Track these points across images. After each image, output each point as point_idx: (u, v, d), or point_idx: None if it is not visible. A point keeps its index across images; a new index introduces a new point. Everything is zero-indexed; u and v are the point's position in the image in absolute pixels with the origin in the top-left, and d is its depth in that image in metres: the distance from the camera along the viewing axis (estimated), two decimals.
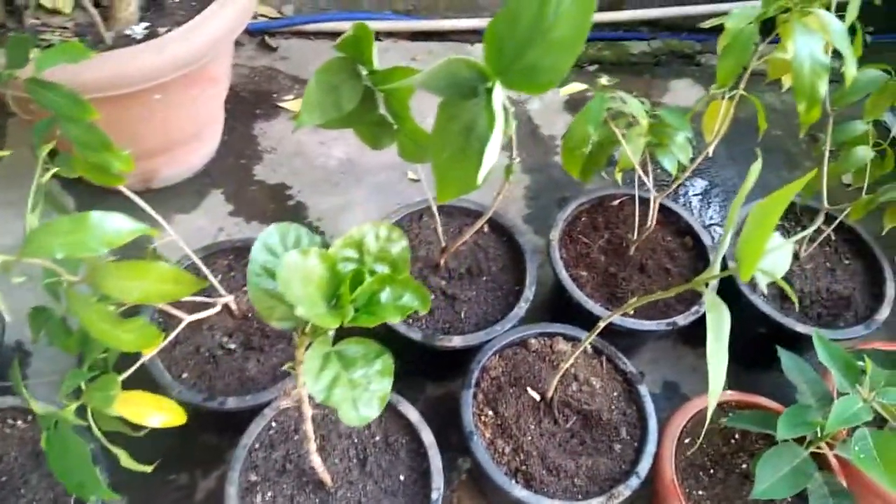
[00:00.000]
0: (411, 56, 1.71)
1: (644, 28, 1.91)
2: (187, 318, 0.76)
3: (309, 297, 0.52)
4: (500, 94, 0.57)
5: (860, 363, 0.90)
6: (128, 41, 1.06)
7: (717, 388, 0.57)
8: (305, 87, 0.79)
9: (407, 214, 1.17)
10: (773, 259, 0.63)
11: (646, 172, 1.08)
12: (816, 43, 0.71)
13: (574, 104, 1.69)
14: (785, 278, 1.16)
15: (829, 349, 0.85)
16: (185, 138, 1.26)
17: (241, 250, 1.09)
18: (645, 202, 1.24)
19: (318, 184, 1.44)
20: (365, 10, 1.80)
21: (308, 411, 0.72)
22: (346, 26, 1.76)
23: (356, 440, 0.94)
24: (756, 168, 0.65)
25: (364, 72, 0.84)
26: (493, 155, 0.57)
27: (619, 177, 1.13)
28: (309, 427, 0.74)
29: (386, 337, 1.04)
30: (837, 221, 1.15)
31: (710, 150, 1.02)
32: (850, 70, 0.75)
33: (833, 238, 1.22)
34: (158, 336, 0.61)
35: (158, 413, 0.64)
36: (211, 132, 1.36)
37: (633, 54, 1.78)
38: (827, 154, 1.06)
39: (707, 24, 0.80)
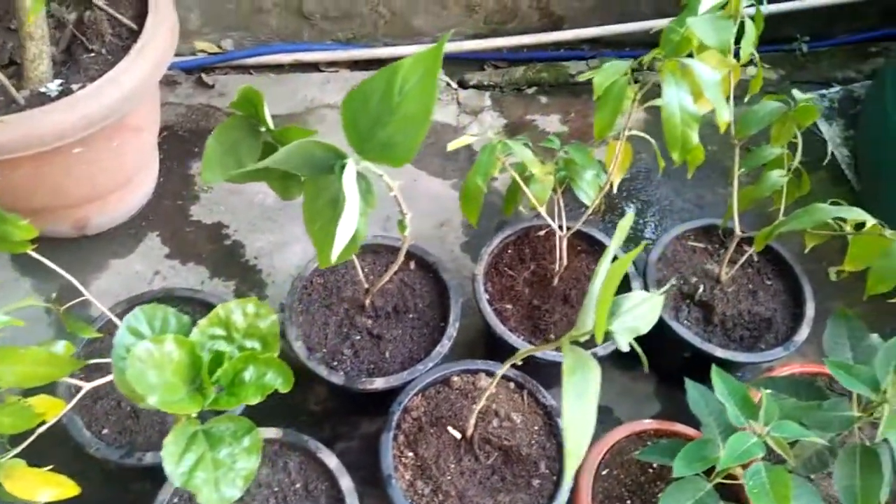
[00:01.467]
0: (351, 86, 1.72)
1: (586, 46, 1.93)
2: (87, 386, 0.77)
3: (166, 385, 0.54)
4: (351, 172, 0.59)
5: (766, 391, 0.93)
6: (42, 99, 1.07)
7: (577, 450, 0.59)
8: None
9: None
10: (636, 315, 0.65)
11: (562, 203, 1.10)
12: (685, 93, 0.73)
13: (514, 128, 1.71)
14: (707, 302, 1.19)
15: (726, 383, 0.87)
16: (115, 186, 1.27)
17: (162, 300, 1.10)
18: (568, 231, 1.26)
19: (256, 221, 1.45)
20: (305, 42, 1.81)
21: None
22: (286, 58, 1.77)
23: (276, 489, 0.96)
24: (626, 222, 0.67)
25: (262, 128, 0.85)
26: (347, 229, 0.59)
27: (540, 210, 1.15)
28: None
29: (313, 379, 1.06)
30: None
31: (614, 187, 1.03)
32: (722, 117, 0.77)
33: (756, 259, 1.24)
34: (36, 417, 0.62)
35: (47, 488, 0.65)
36: (143, 177, 1.37)
37: (571, 75, 1.80)
38: (736, 181, 1.09)
39: (581, 78, 0.81)
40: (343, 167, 0.59)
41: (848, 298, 1.44)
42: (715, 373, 0.88)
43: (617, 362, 1.33)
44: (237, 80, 1.70)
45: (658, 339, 1.16)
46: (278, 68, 1.77)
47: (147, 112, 1.24)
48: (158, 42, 1.15)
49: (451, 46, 1.83)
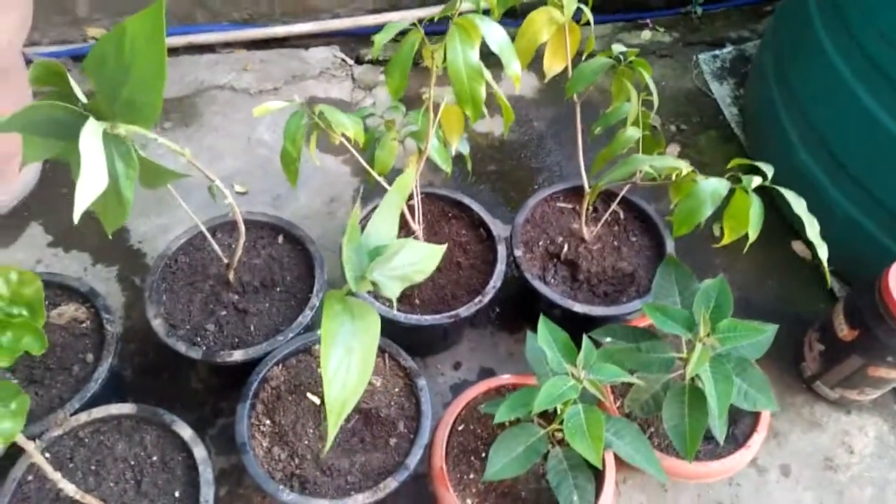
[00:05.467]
0: (242, 66, 1.72)
1: None
2: None
3: None
4: (90, 133, 0.59)
5: (607, 339, 0.96)
6: None
7: (338, 405, 0.60)
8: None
9: (199, 233, 1.19)
10: (407, 263, 0.67)
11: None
12: (471, 49, 0.74)
13: (409, 102, 1.71)
14: (572, 260, 1.22)
15: (550, 330, 0.89)
16: None
17: None
18: (441, 198, 1.28)
19: (144, 205, 1.45)
20: (199, 23, 1.80)
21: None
22: (179, 41, 1.76)
23: (133, 462, 0.97)
24: (405, 178, 0.68)
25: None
26: (87, 189, 0.59)
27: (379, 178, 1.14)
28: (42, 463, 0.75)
29: (176, 357, 1.07)
30: (619, 199, 1.20)
31: (452, 150, 1.04)
32: (510, 70, 0.78)
33: (623, 217, 1.27)
34: None
35: None
36: (15, 167, 1.36)
37: None
38: (580, 138, 1.11)
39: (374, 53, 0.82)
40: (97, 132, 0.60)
41: (730, 256, 1.48)
42: (541, 321, 0.91)
43: (504, 326, 1.36)
44: None
45: (533, 299, 1.20)
46: (172, 52, 1.76)
47: (12, 101, 1.24)
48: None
49: (349, 21, 1.83)
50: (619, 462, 1.09)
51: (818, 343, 1.24)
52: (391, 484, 0.96)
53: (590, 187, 1.16)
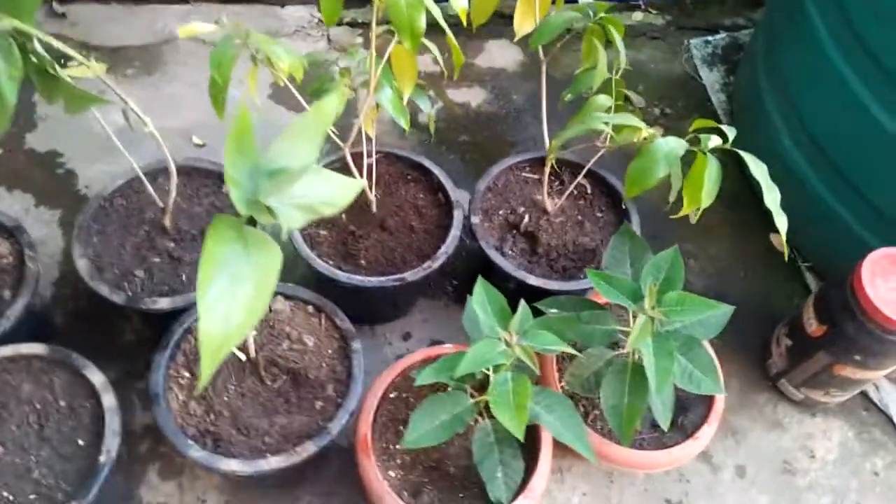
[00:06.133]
0: (214, 19, 1.65)
1: None
2: None
3: None
4: None
5: (552, 310, 0.90)
6: None
7: (213, 348, 0.53)
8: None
9: (138, 176, 1.13)
10: (314, 191, 0.60)
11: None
12: None
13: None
14: (532, 232, 1.15)
15: (487, 293, 0.83)
16: None
17: None
18: (401, 159, 1.21)
19: (94, 151, 1.39)
20: None
21: None
22: None
23: (38, 406, 0.91)
24: (327, 105, 0.62)
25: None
26: None
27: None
28: None
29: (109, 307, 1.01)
30: (586, 172, 1.14)
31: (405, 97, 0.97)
32: (457, 3, 0.72)
33: (590, 192, 1.21)
34: None
35: None
36: None
37: (451, 15, 1.74)
38: (544, 102, 1.04)
39: None
40: None
41: (702, 242, 1.42)
42: (479, 282, 0.84)
43: (460, 299, 1.29)
44: (89, 10, 1.62)
45: (491, 272, 1.13)
46: None
47: None
48: None
49: None
50: (565, 448, 1.03)
51: (786, 338, 1.18)
52: (309, 448, 0.90)
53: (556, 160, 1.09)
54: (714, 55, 1.72)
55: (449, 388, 0.85)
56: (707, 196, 0.73)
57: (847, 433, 1.21)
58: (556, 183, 1.22)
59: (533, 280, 1.08)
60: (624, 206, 1.18)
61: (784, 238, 0.77)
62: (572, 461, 1.14)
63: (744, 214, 1.45)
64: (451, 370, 0.78)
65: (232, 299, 0.56)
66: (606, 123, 0.82)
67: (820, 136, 1.25)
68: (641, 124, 0.81)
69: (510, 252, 1.14)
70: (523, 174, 1.22)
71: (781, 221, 0.74)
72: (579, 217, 1.18)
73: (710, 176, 0.73)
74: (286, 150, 0.60)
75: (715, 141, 0.74)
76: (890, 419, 1.22)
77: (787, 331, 1.18)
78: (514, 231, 1.16)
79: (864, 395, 1.24)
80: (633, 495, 1.12)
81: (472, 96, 1.62)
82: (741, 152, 0.75)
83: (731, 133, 0.76)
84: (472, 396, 0.85)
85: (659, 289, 0.80)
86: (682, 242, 1.41)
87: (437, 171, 1.19)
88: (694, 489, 1.13)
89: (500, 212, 1.17)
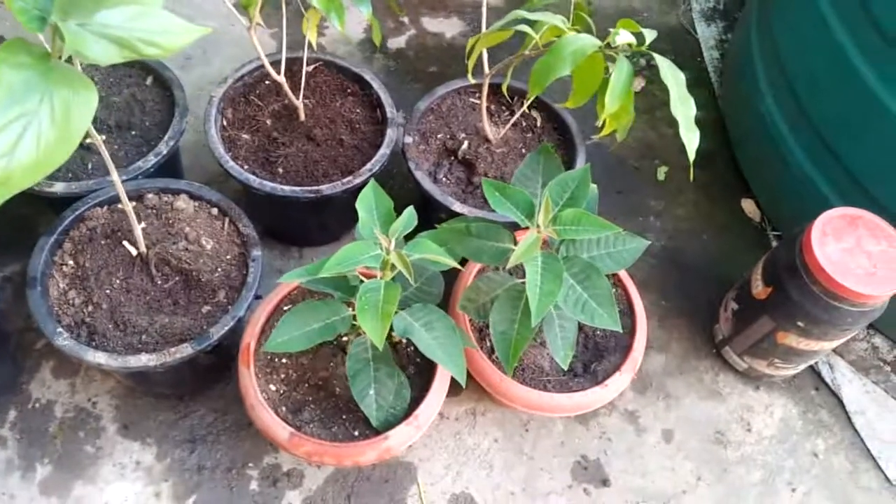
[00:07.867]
0: None
1: None
2: None
3: None
4: None
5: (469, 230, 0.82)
6: None
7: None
8: None
9: None
10: (126, 21, 0.53)
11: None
12: None
13: None
14: (470, 160, 1.07)
15: (375, 195, 0.76)
16: None
17: None
18: (341, 70, 1.14)
19: None
20: None
21: None
22: None
23: None
24: None
25: None
26: None
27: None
28: None
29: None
30: (530, 103, 1.06)
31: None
32: None
33: (540, 125, 1.12)
34: None
35: None
36: None
37: None
38: (484, 23, 0.96)
39: None
40: None
41: (669, 199, 1.33)
42: (369, 185, 0.77)
43: None
44: None
45: (426, 200, 1.06)
46: None
47: None
48: None
49: None
50: (482, 391, 0.96)
51: (733, 302, 1.09)
52: (185, 350, 0.84)
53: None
54: (715, 10, 1.60)
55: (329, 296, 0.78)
56: (612, 98, 0.65)
57: (791, 410, 1.13)
58: (507, 113, 1.14)
59: (458, 207, 1.00)
60: (576, 146, 1.09)
61: (692, 160, 0.68)
62: (488, 405, 1.07)
63: (717, 177, 1.36)
64: (318, 271, 0.71)
65: (23, 134, 0.50)
66: (528, 20, 0.73)
67: (802, 96, 1.15)
68: (559, 20, 0.73)
69: (444, 179, 1.07)
70: (471, 99, 1.14)
71: (691, 138, 0.66)
72: (523, 150, 1.09)
73: (618, 77, 0.64)
74: None
75: (625, 37, 0.65)
76: (840, 401, 1.14)
77: (735, 294, 1.09)
78: (452, 157, 1.09)
79: (817, 374, 1.16)
80: (549, 447, 1.05)
81: (448, 27, 1.53)
82: (655, 55, 0.66)
83: (650, 35, 0.67)
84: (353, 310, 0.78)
85: (561, 208, 0.72)
86: (647, 199, 1.33)
87: (376, 84, 1.11)
88: (614, 448, 1.06)
89: (439, 136, 1.10)
